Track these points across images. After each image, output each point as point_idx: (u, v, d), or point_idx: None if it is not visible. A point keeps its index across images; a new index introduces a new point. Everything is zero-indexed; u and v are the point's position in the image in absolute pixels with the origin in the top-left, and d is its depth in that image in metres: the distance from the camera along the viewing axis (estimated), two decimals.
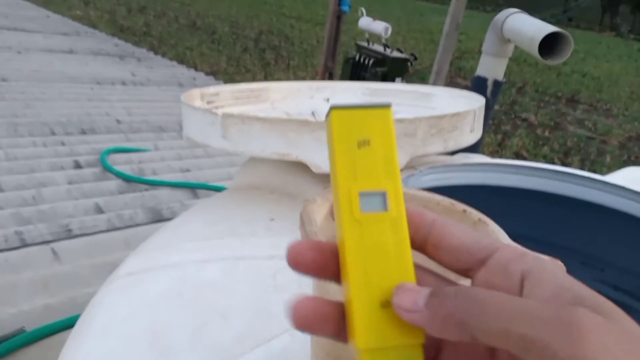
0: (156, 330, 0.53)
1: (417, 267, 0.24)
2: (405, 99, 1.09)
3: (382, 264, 0.23)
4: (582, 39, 12.92)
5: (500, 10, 1.31)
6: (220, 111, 0.72)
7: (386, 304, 0.22)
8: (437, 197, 0.46)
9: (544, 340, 0.17)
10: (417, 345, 0.22)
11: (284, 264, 0.65)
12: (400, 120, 0.70)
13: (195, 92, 0.91)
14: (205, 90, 0.94)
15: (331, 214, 0.25)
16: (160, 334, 0.53)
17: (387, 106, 0.24)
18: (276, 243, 0.65)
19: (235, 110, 0.99)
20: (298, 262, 0.24)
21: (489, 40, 1.17)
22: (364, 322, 0.22)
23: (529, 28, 1.09)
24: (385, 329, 0.22)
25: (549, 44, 1.06)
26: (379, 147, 0.24)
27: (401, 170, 0.74)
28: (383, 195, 0.23)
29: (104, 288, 0.63)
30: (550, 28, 1.01)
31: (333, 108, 0.24)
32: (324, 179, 0.77)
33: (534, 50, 1.02)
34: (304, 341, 0.45)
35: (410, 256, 0.23)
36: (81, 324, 0.58)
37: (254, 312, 0.55)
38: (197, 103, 0.90)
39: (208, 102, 0.94)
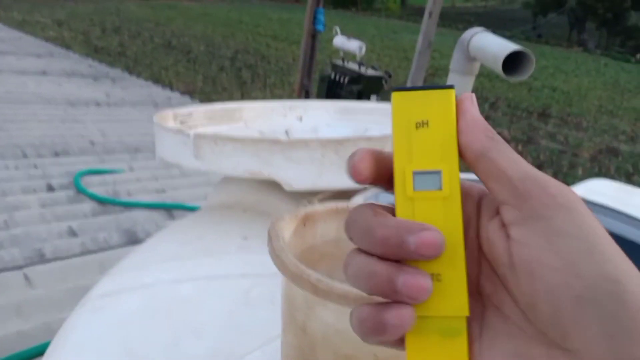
0: (130, 347, 0.53)
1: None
2: (375, 117, 1.11)
3: None
4: (551, 54, 13.25)
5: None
6: (192, 131, 0.73)
7: (433, 278, 0.23)
8: None
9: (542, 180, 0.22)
10: (462, 317, 0.23)
11: (256, 281, 0.65)
12: (369, 139, 0.72)
13: (168, 113, 0.92)
14: (178, 110, 0.95)
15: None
16: (134, 351, 0.53)
17: (449, 87, 0.24)
18: (249, 261, 0.66)
19: (209, 129, 1.00)
20: (359, 171, 0.24)
21: (456, 59, 1.21)
22: None
23: (493, 47, 1.13)
24: (433, 300, 0.23)
25: (512, 62, 1.10)
26: (437, 127, 0.24)
27: (367, 187, 0.76)
28: (437, 175, 0.24)
29: (77, 309, 0.63)
30: (513, 47, 1.05)
31: (394, 90, 0.25)
32: (296, 196, 0.78)
33: (498, 68, 1.06)
34: (275, 357, 0.46)
35: (460, 233, 0.23)
36: (55, 344, 0.58)
37: (227, 328, 0.55)
38: (170, 123, 0.91)
39: (181, 122, 0.95)
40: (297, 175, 0.72)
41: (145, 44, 7.85)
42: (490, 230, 0.23)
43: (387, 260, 0.23)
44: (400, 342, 0.23)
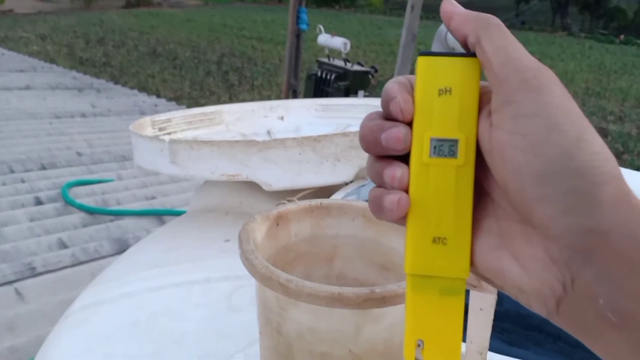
0: None
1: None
2: (356, 113, 1.11)
3: (441, 205, 0.24)
4: (536, 40, 13.29)
5: None
6: (167, 137, 0.73)
7: (438, 241, 0.24)
8: None
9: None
10: (462, 279, 0.25)
11: (238, 283, 0.65)
12: (345, 134, 0.72)
13: (146, 120, 0.92)
14: (156, 117, 0.94)
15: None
16: None
17: (473, 55, 0.24)
18: (231, 264, 0.65)
19: (189, 135, 0.99)
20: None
21: (435, 50, 1.21)
22: (415, 251, 0.25)
23: None
24: (433, 261, 0.24)
25: None
26: (460, 96, 0.24)
27: (352, 181, 0.76)
28: (454, 143, 0.24)
29: (60, 324, 0.62)
30: None
31: (420, 54, 0.25)
32: (277, 196, 0.78)
33: None
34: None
35: (470, 201, 0.24)
36: None
37: (209, 335, 0.55)
38: (148, 131, 0.91)
39: (160, 129, 0.94)
40: (276, 175, 0.72)
41: (130, 53, 7.80)
42: (481, 121, 0.24)
43: (383, 159, 0.25)
44: (402, 222, 0.25)
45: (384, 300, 0.35)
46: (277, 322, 0.39)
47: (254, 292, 0.43)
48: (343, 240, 0.48)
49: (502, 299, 0.55)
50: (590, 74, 8.91)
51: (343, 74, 4.31)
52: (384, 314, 0.37)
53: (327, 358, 0.38)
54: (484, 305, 0.38)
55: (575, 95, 6.97)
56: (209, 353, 0.52)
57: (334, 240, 0.48)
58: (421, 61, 0.25)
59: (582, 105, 6.45)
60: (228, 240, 0.71)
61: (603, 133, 5.16)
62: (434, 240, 0.24)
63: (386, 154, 0.25)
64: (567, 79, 8.21)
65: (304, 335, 0.38)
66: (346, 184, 0.76)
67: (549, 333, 0.88)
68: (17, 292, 1.52)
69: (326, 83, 4.37)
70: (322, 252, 0.48)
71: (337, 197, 0.72)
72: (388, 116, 0.25)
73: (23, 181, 2.30)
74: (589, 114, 5.99)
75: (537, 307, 0.23)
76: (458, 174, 0.24)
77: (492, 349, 0.43)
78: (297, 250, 0.47)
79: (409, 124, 0.25)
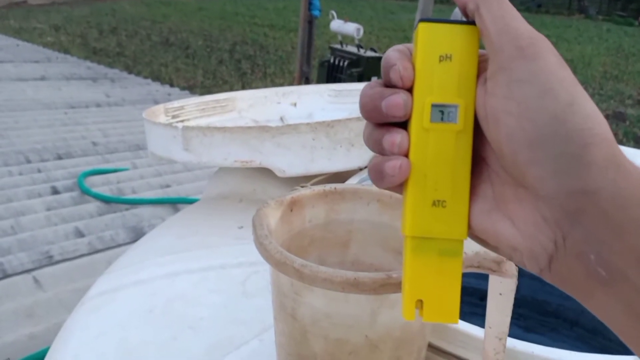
0: (128, 348, 0.53)
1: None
2: None
3: (440, 169, 0.25)
4: (552, 23, 13.05)
5: None
6: (180, 124, 0.72)
7: (437, 204, 0.25)
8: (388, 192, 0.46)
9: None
10: (460, 240, 0.25)
11: (252, 269, 0.64)
12: (359, 119, 0.71)
13: (159, 108, 0.91)
14: (169, 105, 0.94)
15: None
16: (131, 351, 0.52)
17: (473, 23, 0.25)
18: (245, 250, 0.65)
19: (202, 122, 0.99)
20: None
21: None
22: (414, 214, 0.25)
23: None
24: (433, 223, 0.25)
25: None
26: (460, 62, 0.25)
27: (366, 167, 0.75)
28: (454, 108, 0.25)
29: (76, 310, 0.63)
30: None
31: (421, 21, 0.25)
32: (291, 182, 0.77)
33: None
34: (273, 345, 0.46)
35: (468, 166, 0.25)
36: (54, 349, 0.58)
37: (224, 320, 0.55)
38: (162, 118, 0.90)
39: (173, 117, 0.94)
40: (289, 161, 0.71)
41: (143, 43, 7.82)
42: (478, 88, 0.25)
43: (382, 126, 0.26)
44: (399, 189, 0.26)
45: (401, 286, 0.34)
46: (292, 308, 0.38)
47: (269, 278, 0.43)
48: (358, 225, 0.47)
49: (519, 285, 0.54)
50: (608, 57, 8.74)
51: (356, 61, 4.27)
52: (400, 299, 0.36)
53: (343, 344, 0.37)
54: (503, 290, 0.37)
55: (592, 79, 6.86)
56: (224, 339, 0.52)
57: (348, 225, 0.47)
58: (422, 27, 0.25)
59: (600, 89, 6.34)
60: (242, 227, 0.71)
61: (621, 117, 5.07)
62: (434, 204, 0.25)
63: (386, 121, 0.25)
64: (584, 63, 8.06)
65: (319, 321, 0.37)
66: (360, 169, 0.75)
67: (566, 319, 0.87)
68: (35, 280, 1.54)
69: (339, 70, 4.33)
70: (337, 237, 0.48)
71: (352, 182, 0.71)
72: (388, 83, 0.25)
73: (39, 171, 2.32)
74: (607, 98, 5.88)
75: (530, 265, 0.24)
76: (457, 139, 0.25)
77: (509, 334, 0.42)
78: (311, 235, 0.47)
79: (409, 91, 0.25)
